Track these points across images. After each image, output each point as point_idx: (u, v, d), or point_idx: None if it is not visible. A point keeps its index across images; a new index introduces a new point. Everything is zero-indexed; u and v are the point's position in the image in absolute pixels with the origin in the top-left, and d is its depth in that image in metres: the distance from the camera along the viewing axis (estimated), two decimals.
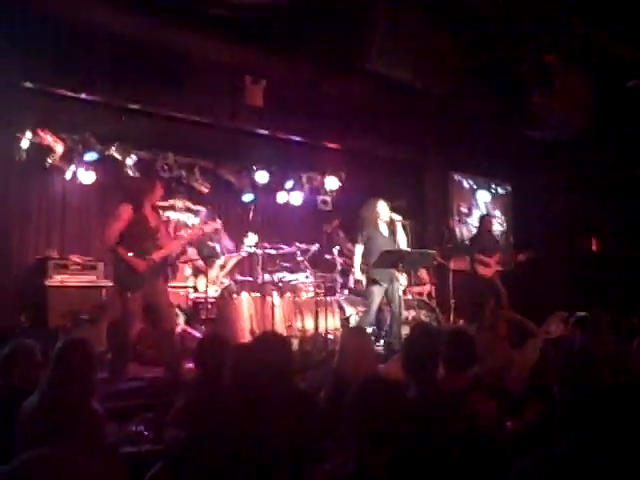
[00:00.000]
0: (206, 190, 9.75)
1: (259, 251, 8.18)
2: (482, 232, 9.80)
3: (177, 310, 7.36)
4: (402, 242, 7.59)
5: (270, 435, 2.87)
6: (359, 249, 7.64)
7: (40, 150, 8.23)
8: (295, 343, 7.30)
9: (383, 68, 7.42)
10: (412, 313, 8.51)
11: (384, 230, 7.59)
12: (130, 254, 5.80)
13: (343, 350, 4.15)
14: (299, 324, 8.02)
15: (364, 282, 7.74)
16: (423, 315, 8.57)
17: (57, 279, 7.46)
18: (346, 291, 8.89)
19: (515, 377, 4.22)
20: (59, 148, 8.31)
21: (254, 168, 9.99)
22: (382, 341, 7.77)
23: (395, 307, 7.43)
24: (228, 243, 8.62)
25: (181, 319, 7.56)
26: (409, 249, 7.56)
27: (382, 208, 7.59)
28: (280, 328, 7.52)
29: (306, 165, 10.56)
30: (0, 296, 6.60)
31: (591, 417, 2.20)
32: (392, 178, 10.16)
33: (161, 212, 9.53)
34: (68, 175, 8.64)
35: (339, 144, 9.92)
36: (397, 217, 7.62)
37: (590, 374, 2.93)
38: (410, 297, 8.85)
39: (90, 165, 8.59)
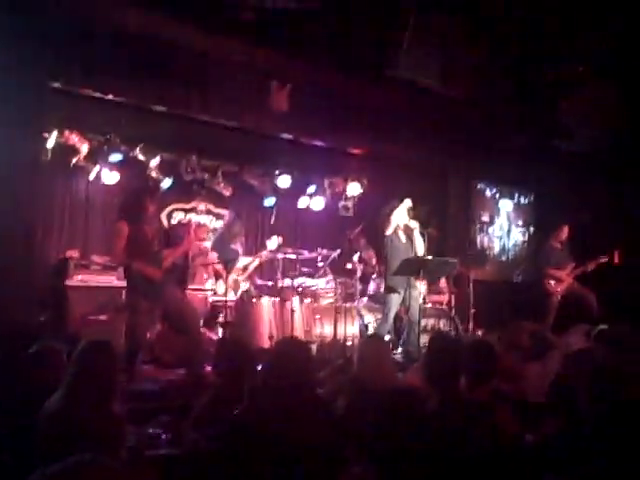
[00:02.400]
0: (228, 193, 9.76)
1: (280, 255, 8.19)
2: (553, 245, 9.66)
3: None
4: (420, 249, 7.58)
5: (292, 439, 2.87)
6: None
7: (65, 150, 8.27)
8: (314, 348, 7.31)
9: (410, 74, 7.41)
10: (431, 321, 8.48)
11: (402, 236, 7.58)
12: (144, 266, 5.97)
13: (361, 358, 4.16)
14: (318, 330, 8.02)
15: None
16: (442, 324, 8.53)
17: (77, 279, 7.49)
18: (365, 298, 8.88)
19: (535, 389, 4.18)
20: (84, 148, 8.35)
21: (276, 173, 9.99)
22: (400, 349, 7.76)
23: (413, 315, 7.40)
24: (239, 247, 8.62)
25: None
26: (430, 257, 7.52)
27: (401, 213, 7.58)
28: (299, 333, 7.53)
29: (328, 170, 10.53)
30: (21, 295, 6.64)
31: (625, 433, 2.17)
32: (414, 184, 10.10)
33: (183, 215, 9.75)
34: (92, 175, 8.67)
35: (362, 149, 9.89)
36: (414, 224, 7.60)
37: (621, 390, 2.90)
38: (429, 305, 8.83)
39: (114, 166, 8.62)
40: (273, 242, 8.35)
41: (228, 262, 7.52)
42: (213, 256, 8.26)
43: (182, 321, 6.19)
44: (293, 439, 2.97)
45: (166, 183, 8.98)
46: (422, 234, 7.57)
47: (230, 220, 8.86)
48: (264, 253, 8.49)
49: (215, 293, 8.16)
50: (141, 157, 8.76)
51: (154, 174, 8.87)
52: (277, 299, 7.87)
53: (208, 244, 8.56)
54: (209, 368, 6.23)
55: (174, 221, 9.63)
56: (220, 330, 7.75)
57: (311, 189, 10.47)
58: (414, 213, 7.70)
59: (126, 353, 5.89)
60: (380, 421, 2.43)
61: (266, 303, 7.75)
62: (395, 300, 7.43)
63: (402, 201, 7.58)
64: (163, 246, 6.48)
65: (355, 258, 8.95)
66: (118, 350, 5.94)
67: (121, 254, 5.97)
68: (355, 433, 3.02)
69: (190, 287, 7.79)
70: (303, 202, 10.55)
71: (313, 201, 10.57)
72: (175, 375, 6.41)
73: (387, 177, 10.22)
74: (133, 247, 5.94)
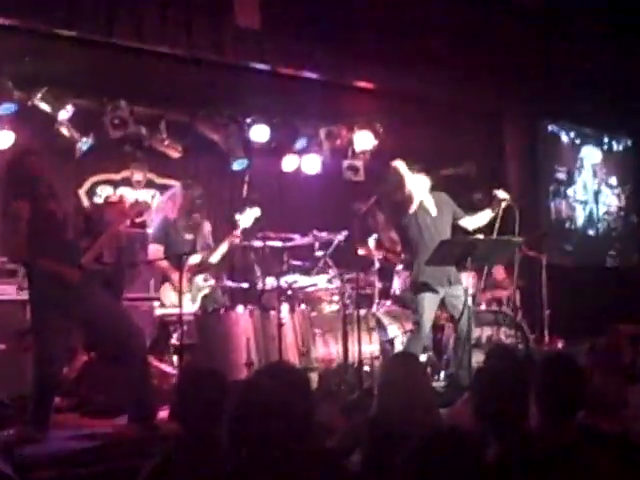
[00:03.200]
0: (177, 154, 9.71)
1: (257, 243, 8.16)
2: None
3: None
4: (466, 224, 7.66)
5: None
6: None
7: None
8: (314, 379, 7.30)
9: None
10: (487, 331, 8.52)
11: (432, 208, 7.62)
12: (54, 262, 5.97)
13: (386, 389, 4.14)
14: (320, 350, 8.03)
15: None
16: (503, 334, 8.55)
17: None
18: (388, 301, 8.87)
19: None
20: None
21: (248, 121, 9.95)
22: (443, 374, 7.78)
23: (460, 323, 7.42)
24: (208, 236, 8.55)
25: None
26: (480, 236, 7.52)
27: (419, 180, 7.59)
28: (292, 357, 7.51)
29: (325, 115, 10.53)
30: None
31: None
32: (454, 133, 10.11)
33: (111, 189, 9.69)
34: None
35: (374, 83, 9.88)
36: (504, 195, 7.58)
37: None
38: (483, 307, 8.83)
39: (5, 121, 8.60)
40: (247, 216, 8.22)
41: (176, 258, 7.47)
42: (155, 249, 8.20)
43: (118, 345, 6.18)
44: None
45: (84, 144, 8.95)
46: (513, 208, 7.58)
47: (180, 193, 8.72)
48: (234, 238, 8.41)
49: (163, 305, 8.14)
50: (45, 107, 8.71)
51: (65, 131, 8.81)
52: (257, 308, 7.86)
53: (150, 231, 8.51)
54: (162, 414, 6.28)
55: (98, 199, 9.63)
56: (175, 358, 7.74)
57: (300, 143, 10.47)
58: (456, 172, 7.72)
59: (34, 396, 5.88)
60: None
61: (241, 315, 7.73)
62: (431, 302, 7.44)
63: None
64: (83, 234, 6.44)
65: (370, 243, 8.94)
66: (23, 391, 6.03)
67: (22, 247, 5.96)
68: None
69: (127, 296, 7.78)
70: (289, 163, 10.55)
71: (304, 161, 10.55)
72: (111, 426, 6.39)
73: (412, 123, 10.20)
74: (36, 236, 5.93)
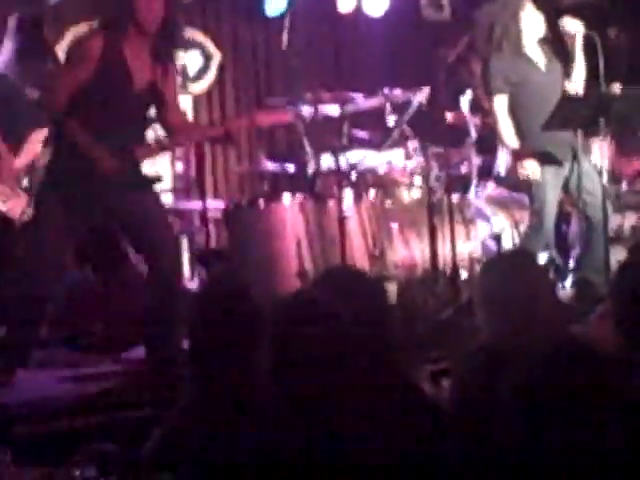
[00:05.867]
0: None
1: (306, 108, 8.17)
2: None
3: None
4: (588, 75, 7.60)
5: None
6: (500, 102, 7.61)
7: None
8: (392, 290, 7.35)
9: None
10: (630, 219, 8.55)
11: (540, 59, 7.66)
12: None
13: (493, 302, 4.15)
14: (398, 252, 8.08)
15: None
16: None
17: None
18: (491, 184, 8.83)
19: None
20: None
21: None
22: (570, 278, 7.82)
23: (591, 209, 7.50)
24: None
25: None
26: (617, 88, 7.46)
27: (528, 12, 7.50)
28: (360, 262, 7.58)
29: None
30: None
31: None
32: None
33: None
34: None
35: None
36: (573, 24, 7.49)
37: None
38: (624, 188, 8.82)
39: None
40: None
41: None
42: None
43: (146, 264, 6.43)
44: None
45: None
46: (588, 44, 7.50)
47: None
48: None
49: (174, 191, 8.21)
50: None
51: None
52: (309, 198, 7.91)
53: None
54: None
55: None
56: (201, 271, 7.85)
57: None
58: (564, 4, 7.63)
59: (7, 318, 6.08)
60: (546, 414, 2.44)
61: (288, 208, 7.78)
62: (551, 182, 7.45)
63: None
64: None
65: (463, 104, 8.87)
66: None
67: (60, 99, 6.08)
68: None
69: None
70: (346, 1, 10.45)
71: None
72: (123, 362, 6.57)
73: None
74: (92, 97, 6.04)
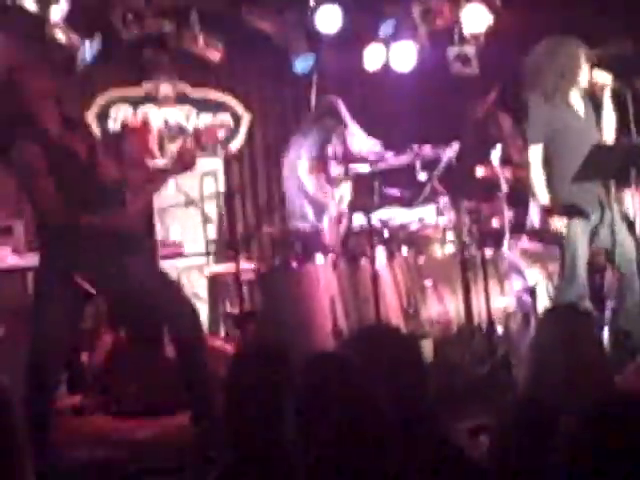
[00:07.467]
0: (217, 55, 9.72)
1: (336, 166, 8.15)
2: None
3: None
4: (611, 126, 7.58)
5: None
6: (536, 151, 7.61)
7: None
8: (428, 347, 7.34)
9: None
10: None
11: (580, 107, 7.62)
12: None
13: (544, 356, 4.13)
14: (433, 309, 8.05)
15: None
16: None
17: None
18: (524, 237, 8.81)
19: None
20: None
21: (311, 3, 9.92)
22: (606, 330, 7.71)
23: (622, 260, 7.44)
24: None
25: None
26: None
27: (581, 61, 7.50)
28: (394, 320, 7.55)
29: None
30: None
31: None
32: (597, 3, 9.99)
33: (131, 110, 9.80)
34: None
35: None
36: (604, 78, 7.50)
37: None
38: None
39: None
40: None
41: None
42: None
43: (163, 326, 6.54)
44: None
45: (87, 51, 8.99)
46: (619, 95, 7.51)
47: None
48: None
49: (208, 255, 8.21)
50: (30, 5, 8.77)
51: (60, 35, 8.87)
52: (341, 256, 7.90)
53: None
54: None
55: (114, 124, 9.79)
56: (234, 331, 7.84)
57: (386, 28, 10.39)
58: (599, 56, 7.64)
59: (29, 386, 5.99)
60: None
61: (321, 267, 7.79)
62: (581, 234, 7.43)
63: (572, 42, 7.52)
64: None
65: (495, 157, 8.87)
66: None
67: (52, 201, 6.01)
68: None
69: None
70: (373, 57, 10.46)
71: (394, 52, 10.47)
72: (160, 428, 6.59)
73: None
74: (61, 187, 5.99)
